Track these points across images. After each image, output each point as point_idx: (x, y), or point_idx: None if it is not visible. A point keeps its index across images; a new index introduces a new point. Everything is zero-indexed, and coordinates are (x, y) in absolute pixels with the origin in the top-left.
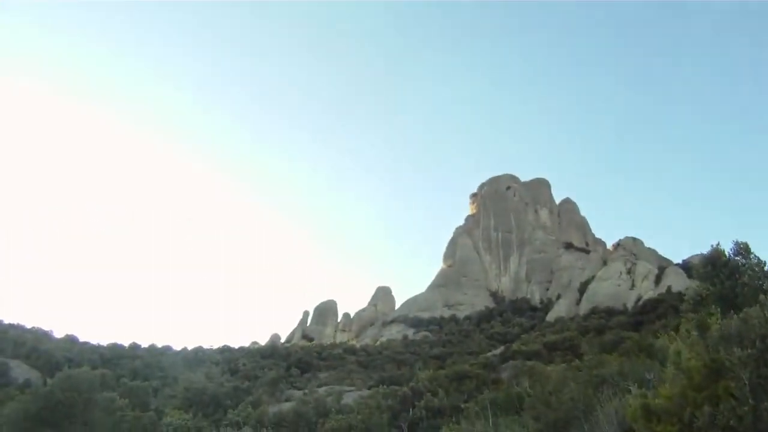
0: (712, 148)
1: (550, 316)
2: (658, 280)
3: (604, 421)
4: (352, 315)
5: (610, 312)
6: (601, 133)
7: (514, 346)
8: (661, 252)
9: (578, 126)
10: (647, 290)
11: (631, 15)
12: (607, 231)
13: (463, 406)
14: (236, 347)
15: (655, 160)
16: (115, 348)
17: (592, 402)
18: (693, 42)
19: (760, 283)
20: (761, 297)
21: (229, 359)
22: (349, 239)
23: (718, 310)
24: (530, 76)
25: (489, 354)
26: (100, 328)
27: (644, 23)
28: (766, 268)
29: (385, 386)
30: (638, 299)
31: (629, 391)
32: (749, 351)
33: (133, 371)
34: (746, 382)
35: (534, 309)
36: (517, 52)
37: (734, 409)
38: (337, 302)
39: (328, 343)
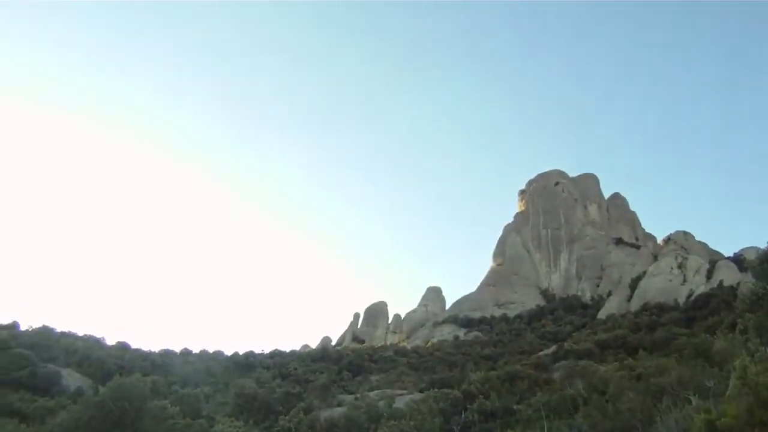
0: (761, 137)
1: (602, 314)
2: (709, 274)
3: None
4: (402, 316)
5: (661, 308)
6: (648, 126)
7: (566, 345)
8: (712, 246)
9: (626, 119)
10: (699, 285)
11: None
12: (658, 225)
13: (515, 408)
14: (287, 351)
15: (703, 153)
16: (166, 354)
17: (652, 413)
18: (739, 29)
19: None
20: None
21: (280, 364)
22: (398, 240)
23: None
24: (573, 71)
25: (541, 353)
26: (152, 334)
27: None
28: None
29: (436, 389)
30: (690, 294)
31: (689, 401)
32: None
33: (184, 377)
34: None
35: (585, 306)
36: (557, 47)
37: None
38: (388, 304)
39: (379, 345)
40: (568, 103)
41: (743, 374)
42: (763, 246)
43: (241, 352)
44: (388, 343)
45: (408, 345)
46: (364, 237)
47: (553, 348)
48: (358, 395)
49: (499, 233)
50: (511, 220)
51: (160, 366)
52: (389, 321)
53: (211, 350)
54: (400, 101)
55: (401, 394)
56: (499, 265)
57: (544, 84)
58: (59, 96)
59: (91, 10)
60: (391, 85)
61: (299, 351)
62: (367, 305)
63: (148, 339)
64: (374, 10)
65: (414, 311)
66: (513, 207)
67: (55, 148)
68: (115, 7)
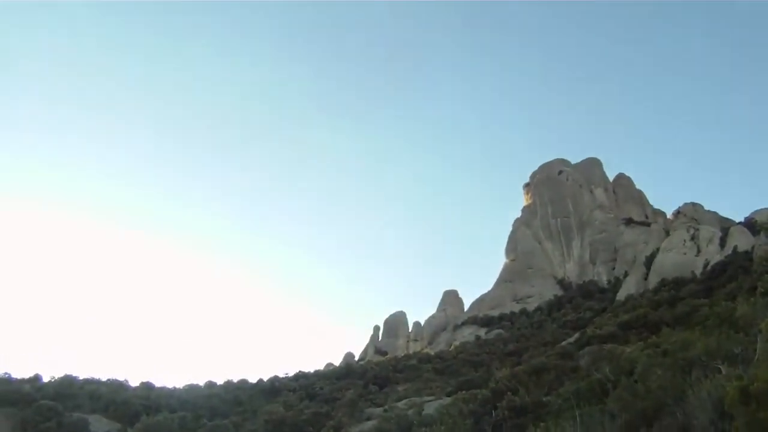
0: (757, 100)
1: (620, 296)
2: (723, 242)
3: (697, 407)
4: (422, 323)
5: (679, 282)
6: (647, 102)
7: (589, 331)
8: (723, 213)
9: (621, 98)
10: (714, 254)
11: None
12: (666, 200)
13: (545, 400)
14: (311, 372)
15: (703, 122)
16: (191, 389)
17: (683, 387)
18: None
19: None
20: None
21: (305, 385)
22: (409, 248)
23: None
24: (562, 56)
25: (564, 343)
26: (176, 371)
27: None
28: None
29: (464, 391)
30: (706, 264)
31: (719, 371)
32: None
33: (212, 409)
34: None
35: (603, 291)
36: (545, 33)
37: None
38: (407, 313)
39: (402, 354)
40: (562, 89)
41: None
42: None
43: (265, 378)
44: (411, 351)
45: (431, 351)
46: (376, 248)
47: (576, 336)
48: (387, 407)
49: (509, 229)
50: (519, 214)
51: (186, 401)
52: (409, 330)
53: (235, 380)
54: (398, 103)
55: (430, 401)
56: (512, 260)
57: (537, 73)
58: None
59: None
60: (391, 86)
61: (323, 370)
62: (386, 317)
63: (172, 376)
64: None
65: (433, 317)
66: (520, 202)
67: None
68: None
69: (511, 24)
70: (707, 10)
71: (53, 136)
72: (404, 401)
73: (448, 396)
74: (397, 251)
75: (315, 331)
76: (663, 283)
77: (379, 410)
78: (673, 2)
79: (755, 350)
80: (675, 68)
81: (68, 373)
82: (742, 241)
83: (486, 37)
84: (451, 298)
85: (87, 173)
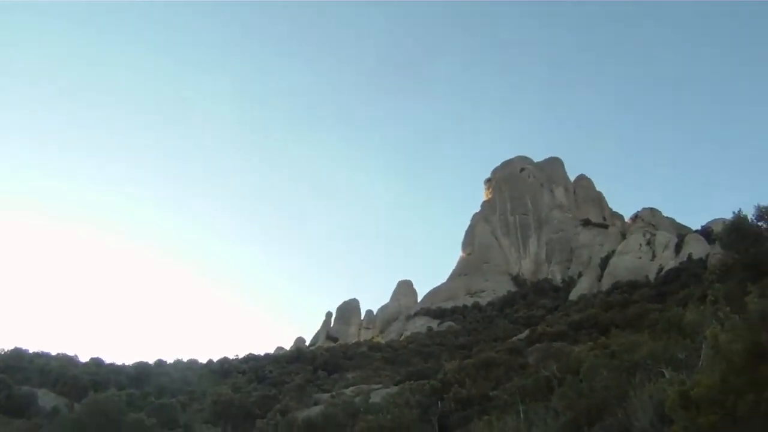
0: (723, 110)
1: (573, 295)
2: (678, 249)
3: (639, 409)
4: (375, 312)
5: (632, 285)
6: (608, 105)
7: (539, 328)
8: (680, 220)
9: (586, 101)
10: (668, 260)
11: None
12: (625, 204)
13: (491, 394)
14: (262, 354)
15: (665, 128)
16: (140, 367)
17: (626, 389)
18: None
19: None
20: None
21: (255, 367)
22: (367, 237)
23: (753, 286)
24: (532, 57)
25: (514, 339)
26: (126, 348)
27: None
28: None
29: (412, 381)
30: (660, 270)
31: (663, 375)
32: None
33: (160, 388)
34: None
35: (556, 289)
36: (515, 33)
37: None
38: (360, 300)
39: (353, 342)
40: (528, 89)
41: (715, 343)
42: (728, 216)
43: (215, 359)
44: (362, 339)
45: (382, 340)
46: (332, 235)
47: (527, 332)
48: (334, 393)
49: (467, 223)
50: (478, 209)
51: (135, 379)
52: (362, 317)
53: (185, 359)
54: (368, 102)
55: (377, 389)
56: (468, 254)
57: (503, 72)
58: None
59: None
60: (361, 85)
61: (273, 353)
62: (339, 303)
63: (122, 353)
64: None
65: (386, 306)
66: (480, 196)
67: None
68: None
69: (480, 23)
70: (670, 13)
71: None
72: (352, 388)
73: (396, 385)
74: (355, 239)
75: (267, 315)
76: (616, 286)
77: (326, 396)
78: (635, 6)
79: (699, 357)
80: (647, 75)
81: (18, 346)
82: (697, 248)
83: (457, 36)
84: (405, 288)
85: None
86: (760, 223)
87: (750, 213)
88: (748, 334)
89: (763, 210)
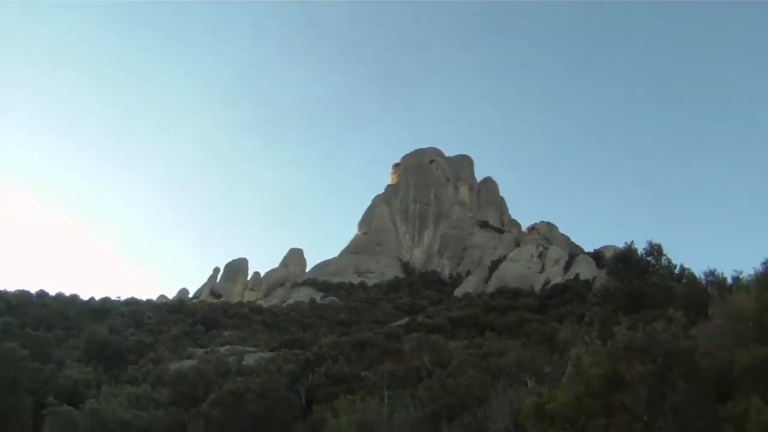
0: (637, 146)
1: (458, 291)
2: (567, 266)
3: (498, 412)
4: (262, 274)
5: (517, 293)
6: (530, 116)
7: (419, 318)
8: (574, 239)
9: (510, 108)
10: (556, 275)
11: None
12: (524, 213)
13: (363, 374)
14: (143, 300)
15: (581, 149)
16: (22, 295)
17: (488, 392)
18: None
19: (669, 285)
20: (670, 311)
21: (135, 312)
22: (266, 199)
23: (626, 318)
24: (467, 56)
25: (394, 324)
26: (8, 274)
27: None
28: (676, 272)
29: (287, 349)
30: (546, 283)
31: (526, 384)
32: (650, 367)
33: (39, 319)
34: (644, 398)
35: (443, 283)
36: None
37: (629, 424)
38: (249, 261)
39: (236, 301)
40: (453, 86)
41: (577, 363)
42: (621, 245)
43: (97, 298)
44: (245, 300)
45: (264, 304)
46: (231, 190)
47: (407, 320)
48: (209, 349)
49: (369, 203)
50: (381, 191)
51: (15, 307)
52: (248, 278)
53: (67, 293)
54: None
55: (252, 352)
56: (364, 233)
57: (433, 68)
58: None
59: None
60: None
61: (155, 301)
62: (228, 260)
63: (4, 279)
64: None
65: (274, 271)
66: (386, 179)
67: None
68: None
69: (426, 19)
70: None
71: None
72: (227, 347)
73: (271, 351)
74: (253, 199)
75: (156, 260)
76: (501, 291)
77: (201, 351)
78: (562, 11)
79: (564, 373)
80: (579, 92)
81: None
82: (585, 270)
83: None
84: (295, 256)
85: None
86: (648, 258)
87: (641, 246)
88: (609, 362)
89: (654, 247)
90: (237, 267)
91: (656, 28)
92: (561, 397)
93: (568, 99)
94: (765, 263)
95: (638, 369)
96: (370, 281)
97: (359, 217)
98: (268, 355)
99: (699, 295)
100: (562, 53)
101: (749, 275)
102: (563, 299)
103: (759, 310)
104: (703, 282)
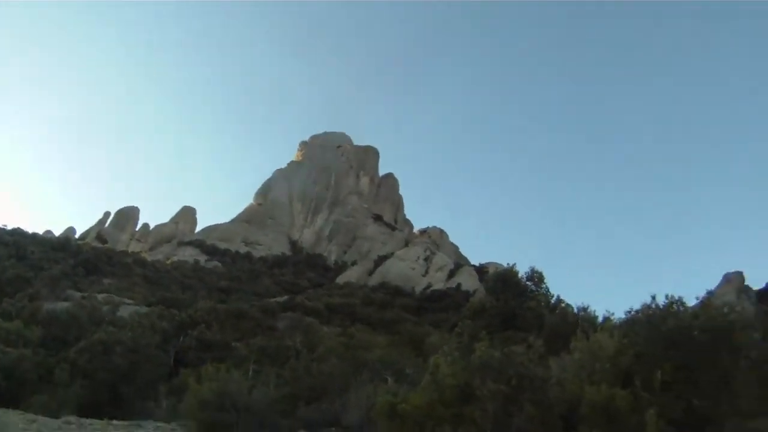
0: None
1: (340, 279)
2: (451, 275)
3: (354, 404)
4: (151, 227)
5: (398, 291)
6: (443, 123)
7: (298, 298)
8: (463, 250)
9: (430, 112)
10: (438, 281)
11: None
12: (420, 216)
13: (233, 345)
14: (29, 232)
15: (492, 164)
16: None
17: (349, 382)
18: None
19: (542, 313)
20: (531, 338)
21: (19, 243)
22: (169, 152)
23: (491, 336)
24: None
25: (272, 300)
26: None
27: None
28: (552, 301)
29: (164, 307)
30: (428, 287)
31: (386, 381)
32: (502, 387)
33: None
34: (491, 415)
35: (327, 268)
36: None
37: None
38: (140, 210)
39: (121, 250)
40: (379, 76)
41: (435, 371)
42: (505, 264)
43: None
44: (131, 250)
45: (148, 257)
46: (133, 137)
47: (286, 298)
48: (86, 295)
49: (269, 175)
50: (284, 165)
51: None
52: (137, 228)
53: None
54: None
55: (129, 304)
56: (258, 204)
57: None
58: None
59: None
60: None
61: (41, 235)
62: (120, 207)
63: None
64: None
65: (164, 225)
66: (291, 155)
67: None
68: None
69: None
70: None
71: None
72: (104, 295)
73: (148, 306)
74: (156, 149)
75: (45, 193)
76: (383, 286)
77: (78, 295)
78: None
79: (422, 378)
80: (492, 96)
81: None
82: (468, 281)
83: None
84: (187, 214)
85: None
86: (528, 282)
87: (524, 270)
88: (465, 375)
89: (536, 273)
90: (127, 215)
91: (565, 32)
92: (414, 400)
93: (493, 111)
94: (629, 312)
95: (490, 387)
96: (257, 253)
97: (257, 186)
98: (143, 309)
99: (567, 328)
100: (486, 62)
101: (620, 317)
102: (441, 306)
103: (616, 353)
104: (576, 316)
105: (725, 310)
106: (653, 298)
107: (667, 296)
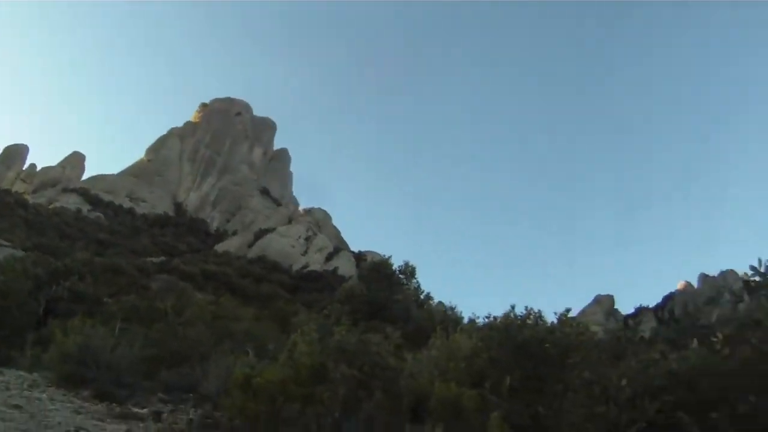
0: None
1: (219, 247)
2: (330, 257)
3: (213, 373)
4: (38, 168)
5: (275, 267)
6: (346, 104)
7: (176, 261)
8: (344, 235)
9: (337, 93)
10: (316, 263)
11: None
12: (308, 197)
13: (105, 300)
14: None
15: (386, 151)
16: None
17: (210, 351)
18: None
19: (409, 307)
20: (388, 329)
21: None
22: (64, 93)
23: (353, 323)
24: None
25: (149, 259)
26: None
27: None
28: (421, 296)
29: (40, 253)
30: (305, 266)
31: (247, 353)
32: (355, 372)
33: None
34: (341, 398)
35: (208, 234)
36: None
37: (321, 416)
38: (30, 150)
39: (5, 188)
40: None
41: (292, 348)
42: (384, 256)
43: None
44: (14, 190)
45: (31, 200)
46: (28, 73)
47: (163, 259)
48: None
49: (164, 132)
50: (180, 125)
51: None
52: (24, 168)
53: None
54: None
55: (5, 245)
56: (149, 160)
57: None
58: None
59: None
60: None
61: None
62: (10, 143)
63: None
64: None
65: (50, 168)
66: (189, 115)
67: None
68: None
69: None
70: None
71: None
72: None
73: (24, 250)
74: (55, 85)
75: None
76: (261, 259)
77: None
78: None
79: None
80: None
81: None
82: (345, 266)
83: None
84: (76, 159)
85: None
86: (400, 275)
87: (399, 262)
88: (320, 356)
89: (408, 268)
90: (14, 152)
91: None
92: (269, 375)
93: (392, 102)
94: (487, 317)
95: (344, 370)
96: (140, 210)
97: (152, 141)
98: (19, 253)
99: (431, 324)
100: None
101: (484, 320)
102: (316, 286)
103: (471, 354)
104: (443, 314)
105: (579, 328)
106: (512, 307)
107: (526, 308)
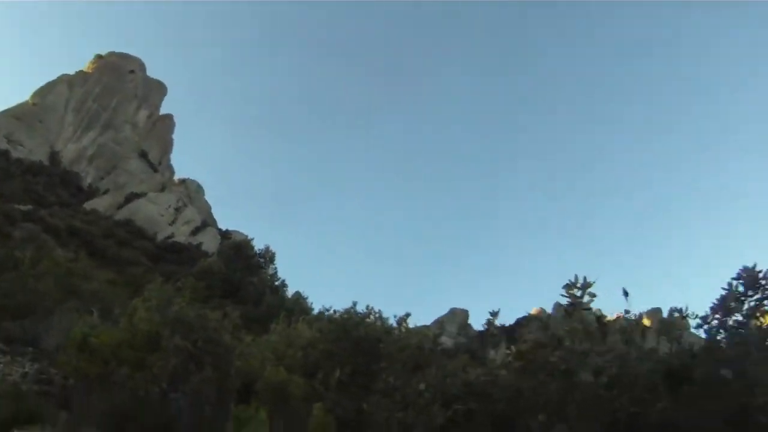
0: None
1: (89, 204)
2: (195, 232)
3: (55, 330)
4: None
5: (141, 233)
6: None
7: (43, 212)
8: (215, 211)
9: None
10: (182, 234)
11: None
12: (187, 167)
13: None
14: None
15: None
16: None
17: (55, 307)
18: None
19: (263, 291)
20: (228, 308)
21: None
22: None
23: (201, 298)
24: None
25: (16, 206)
26: None
27: None
28: (276, 283)
29: None
30: (170, 236)
31: (92, 314)
32: (188, 344)
33: None
34: (171, 368)
35: (80, 189)
36: None
37: (147, 381)
38: None
39: None
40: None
41: (132, 313)
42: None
43: None
44: None
45: None
46: None
47: (30, 208)
48: None
49: (54, 77)
50: (73, 72)
51: None
52: None
53: None
54: None
55: None
56: (33, 104)
57: None
58: None
59: None
60: None
61: None
62: None
63: None
64: None
65: None
66: (84, 63)
67: None
68: None
69: None
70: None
71: None
72: None
73: None
74: None
75: None
76: (128, 223)
77: None
78: None
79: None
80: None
81: None
82: (210, 243)
83: None
84: None
85: None
86: (260, 259)
87: (261, 246)
88: (158, 325)
89: (268, 252)
90: None
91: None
92: (105, 336)
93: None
94: (328, 309)
95: (177, 342)
96: (16, 153)
97: (39, 84)
98: None
99: (281, 310)
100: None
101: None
102: (179, 259)
103: (307, 344)
104: (297, 302)
105: (410, 332)
106: (354, 304)
107: (367, 306)
